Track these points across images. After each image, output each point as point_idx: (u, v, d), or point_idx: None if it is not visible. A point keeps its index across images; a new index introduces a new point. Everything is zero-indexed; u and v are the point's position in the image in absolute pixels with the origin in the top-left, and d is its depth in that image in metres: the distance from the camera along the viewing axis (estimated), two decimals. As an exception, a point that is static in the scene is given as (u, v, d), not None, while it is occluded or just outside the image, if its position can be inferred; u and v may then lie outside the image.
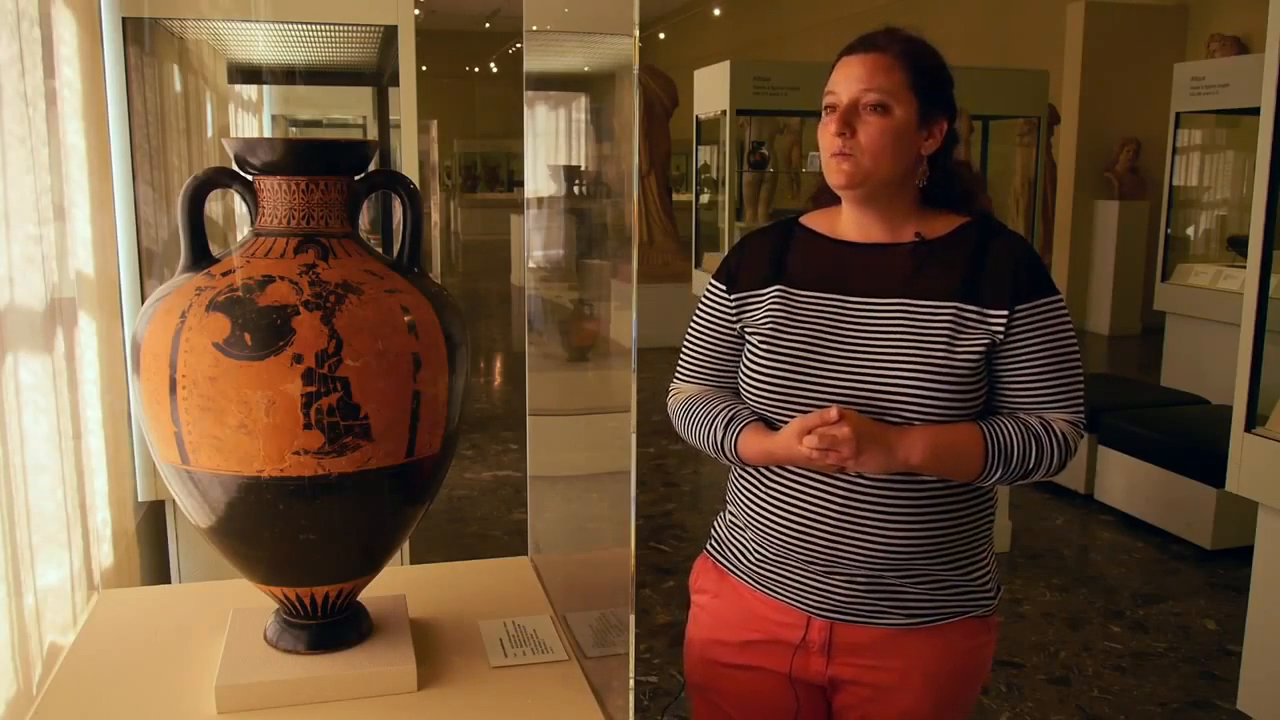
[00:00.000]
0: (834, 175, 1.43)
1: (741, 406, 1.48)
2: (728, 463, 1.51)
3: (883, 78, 1.39)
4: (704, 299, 1.58)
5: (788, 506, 1.45)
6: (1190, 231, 7.44)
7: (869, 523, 1.40)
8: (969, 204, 1.50)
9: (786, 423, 1.40)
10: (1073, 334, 1.43)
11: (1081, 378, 1.44)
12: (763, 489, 1.48)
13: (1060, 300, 1.42)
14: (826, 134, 1.43)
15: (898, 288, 1.42)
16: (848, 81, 1.41)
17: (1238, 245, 6.33)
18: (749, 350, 1.49)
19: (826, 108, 1.44)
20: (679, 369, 1.60)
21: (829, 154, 1.42)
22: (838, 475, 1.40)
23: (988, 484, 1.43)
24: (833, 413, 1.33)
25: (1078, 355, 1.44)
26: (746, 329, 1.50)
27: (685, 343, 1.58)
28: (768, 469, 1.47)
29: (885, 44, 1.42)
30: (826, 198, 1.55)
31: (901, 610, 1.45)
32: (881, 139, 1.39)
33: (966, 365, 1.38)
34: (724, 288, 1.54)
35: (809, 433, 1.33)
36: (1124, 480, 4.54)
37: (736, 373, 1.53)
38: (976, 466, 1.38)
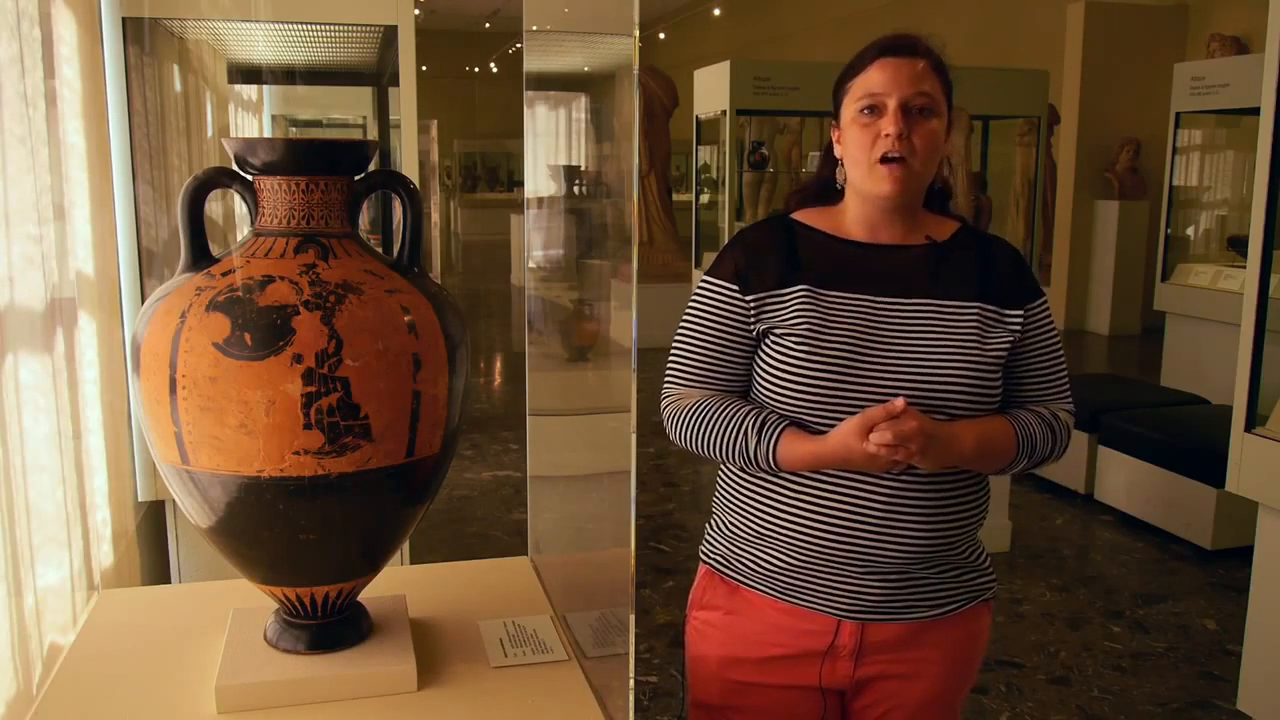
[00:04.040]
0: (883, 183, 1.40)
1: (768, 411, 1.43)
2: (760, 471, 1.46)
3: (927, 82, 1.41)
4: (708, 299, 1.50)
5: (824, 510, 1.42)
6: (1190, 231, 7.45)
7: (909, 517, 1.41)
8: (947, 205, 1.57)
9: (829, 425, 1.39)
10: (1057, 330, 1.53)
11: (1068, 370, 1.55)
12: (788, 495, 1.44)
13: (1047, 299, 1.53)
14: (870, 135, 1.40)
15: (920, 288, 1.44)
16: (897, 83, 1.39)
17: (1238, 245, 6.33)
18: (779, 352, 1.43)
19: (866, 109, 1.41)
20: (676, 373, 1.51)
21: (875, 157, 1.39)
22: (880, 474, 1.40)
23: (1010, 472, 1.50)
24: (899, 404, 1.32)
25: (1064, 350, 1.54)
26: (773, 330, 1.44)
27: (684, 346, 1.51)
28: (796, 476, 1.43)
29: (921, 50, 1.43)
30: (815, 196, 1.54)
31: (928, 602, 1.47)
32: (933, 142, 1.41)
33: (997, 361, 1.43)
34: (736, 288, 1.47)
35: (870, 429, 1.33)
36: (1124, 480, 4.54)
37: (745, 376, 1.49)
38: (1010, 456, 1.45)
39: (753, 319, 1.46)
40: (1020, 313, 1.46)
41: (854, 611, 1.45)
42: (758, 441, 1.41)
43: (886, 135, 1.38)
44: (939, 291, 1.44)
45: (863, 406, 1.37)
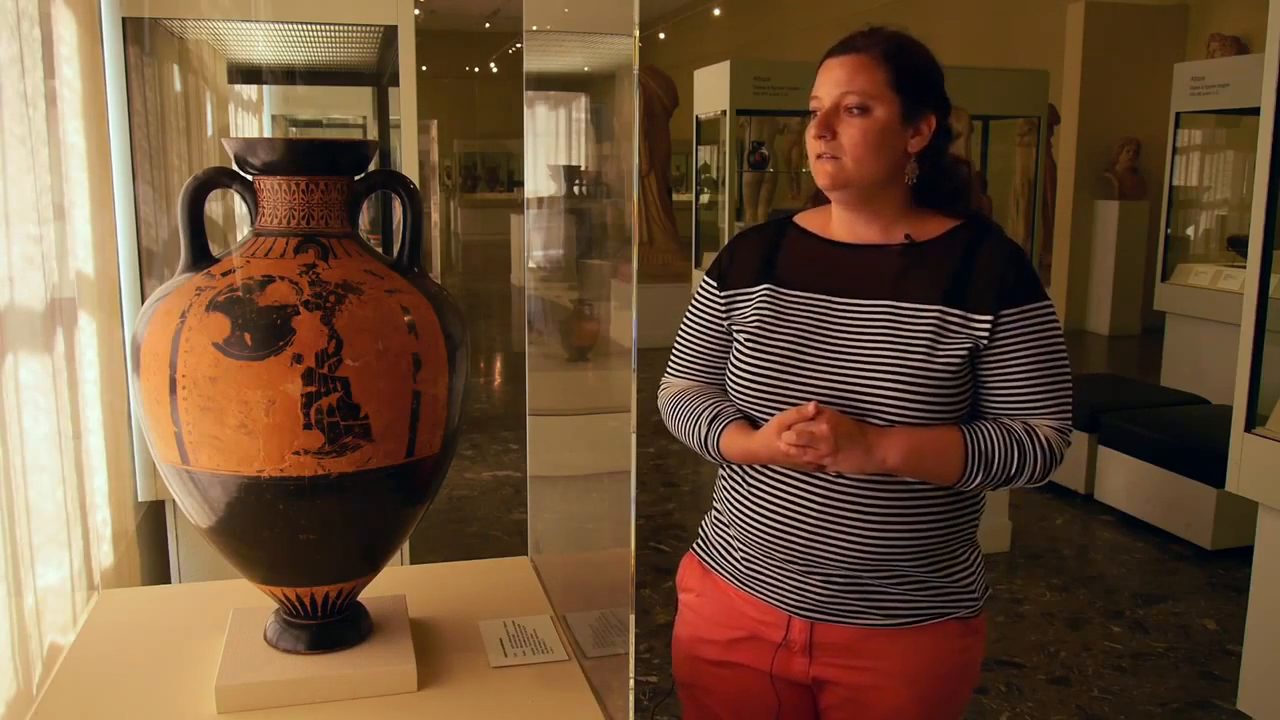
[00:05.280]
0: (819, 177, 1.44)
1: (726, 404, 1.49)
2: (712, 460, 1.52)
3: (863, 78, 1.39)
4: (696, 296, 1.59)
5: (768, 505, 1.45)
6: (1190, 231, 7.45)
7: (847, 523, 1.40)
8: (961, 203, 1.49)
9: (769, 421, 1.41)
10: (1061, 341, 1.41)
11: (1069, 385, 1.42)
12: (745, 487, 1.49)
13: (1049, 306, 1.41)
14: (809, 137, 1.44)
15: (884, 289, 1.42)
16: (829, 84, 1.42)
17: (1238, 245, 6.33)
18: (736, 348, 1.49)
19: (811, 112, 1.44)
20: (670, 364, 1.61)
21: (813, 157, 1.44)
22: (816, 475, 1.40)
23: (969, 488, 1.41)
24: (810, 408, 1.33)
25: (1066, 362, 1.42)
26: (735, 327, 1.50)
27: (677, 339, 1.59)
28: (750, 468, 1.47)
29: (865, 45, 1.41)
30: (823, 196, 1.55)
31: (880, 610, 1.44)
32: (862, 139, 1.39)
33: (947, 369, 1.37)
34: (715, 285, 1.55)
35: (788, 429, 1.34)
36: (1124, 480, 4.54)
37: (725, 370, 1.53)
38: (956, 470, 1.37)
39: (723, 315, 1.53)
40: (989, 317, 1.37)
41: (802, 609, 1.46)
42: (707, 431, 1.47)
43: (812, 137, 1.42)
44: (900, 294, 1.40)
45: (802, 404, 1.37)
